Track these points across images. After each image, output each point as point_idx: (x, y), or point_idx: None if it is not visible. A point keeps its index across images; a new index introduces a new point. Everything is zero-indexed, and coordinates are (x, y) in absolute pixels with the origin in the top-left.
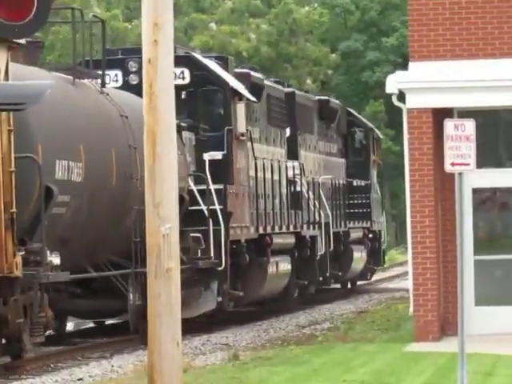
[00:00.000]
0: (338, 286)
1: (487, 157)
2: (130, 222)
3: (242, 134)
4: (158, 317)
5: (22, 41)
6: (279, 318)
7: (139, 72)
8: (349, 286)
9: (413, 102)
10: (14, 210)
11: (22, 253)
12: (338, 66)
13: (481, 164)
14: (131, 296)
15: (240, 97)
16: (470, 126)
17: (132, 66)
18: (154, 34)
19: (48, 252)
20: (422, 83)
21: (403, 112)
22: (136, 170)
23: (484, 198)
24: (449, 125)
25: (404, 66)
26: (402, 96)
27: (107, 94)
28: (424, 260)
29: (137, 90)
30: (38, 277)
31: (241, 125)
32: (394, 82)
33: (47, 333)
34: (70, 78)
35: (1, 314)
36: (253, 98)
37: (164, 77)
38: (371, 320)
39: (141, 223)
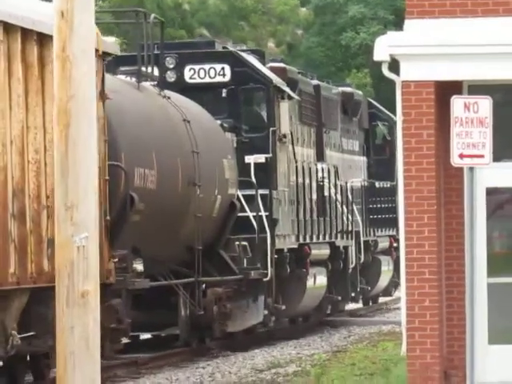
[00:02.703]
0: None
1: (507, 147)
2: (192, 230)
3: (285, 136)
4: (70, 356)
5: (118, 51)
6: (229, 357)
7: (176, 68)
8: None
9: (409, 72)
10: (108, 218)
11: (116, 260)
12: (310, 24)
13: (498, 156)
14: (182, 308)
15: (283, 95)
16: (485, 105)
17: (169, 62)
18: None
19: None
20: (421, 48)
21: (396, 86)
22: (198, 177)
23: (502, 201)
24: (457, 103)
25: (398, 25)
26: (394, 65)
27: (169, 98)
28: (421, 283)
29: (173, 87)
30: (125, 283)
31: (284, 125)
32: (384, 46)
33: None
34: (134, 82)
35: None
36: (296, 97)
37: (81, 36)
38: (351, 362)
39: (202, 231)
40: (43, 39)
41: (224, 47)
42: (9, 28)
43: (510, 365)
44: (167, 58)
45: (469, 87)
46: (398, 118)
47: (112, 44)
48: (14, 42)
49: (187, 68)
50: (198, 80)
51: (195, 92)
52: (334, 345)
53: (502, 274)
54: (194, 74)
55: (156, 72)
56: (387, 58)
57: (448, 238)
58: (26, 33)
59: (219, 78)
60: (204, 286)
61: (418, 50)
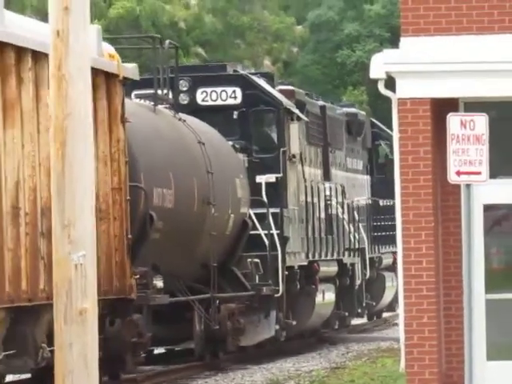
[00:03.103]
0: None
1: (504, 163)
2: (207, 247)
3: (294, 156)
4: (69, 374)
5: (137, 77)
6: (227, 374)
7: (189, 91)
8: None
9: (405, 90)
10: (130, 236)
11: (137, 276)
12: (306, 41)
13: (495, 173)
14: (197, 323)
15: (292, 116)
16: (481, 122)
17: (182, 85)
18: (64, 0)
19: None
20: (417, 65)
21: (392, 103)
22: (213, 196)
23: (499, 218)
24: (453, 121)
25: (393, 43)
26: (390, 82)
27: (184, 121)
28: (420, 300)
29: (186, 109)
30: (146, 299)
31: (294, 146)
32: (380, 64)
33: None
34: (150, 105)
35: (107, 333)
36: (305, 118)
37: (78, 55)
38: (350, 379)
39: (216, 248)
40: None
41: (235, 70)
42: (36, 56)
43: (508, 381)
44: (180, 81)
45: (465, 104)
46: (395, 136)
47: (132, 69)
48: (41, 69)
49: (199, 91)
50: (210, 102)
51: (207, 114)
52: (332, 361)
53: (500, 290)
54: (206, 96)
55: (169, 95)
56: (383, 75)
57: (446, 254)
58: None
59: (231, 101)
60: (217, 301)
61: (413, 67)
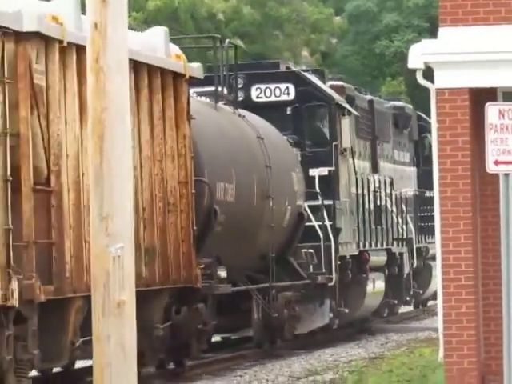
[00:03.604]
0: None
1: None
2: (266, 239)
3: (346, 150)
4: (107, 366)
5: (202, 76)
6: (265, 365)
7: (244, 88)
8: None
9: (444, 80)
10: (195, 228)
11: (202, 266)
12: (345, 32)
13: None
14: (255, 311)
15: (343, 112)
16: None
17: (238, 82)
18: None
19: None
20: (455, 55)
21: (431, 93)
22: (271, 189)
23: None
24: (492, 110)
25: (432, 33)
26: (429, 72)
27: (244, 117)
28: (458, 289)
29: (241, 106)
30: (211, 288)
31: (346, 140)
32: (418, 54)
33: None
34: (212, 103)
35: (174, 321)
36: (356, 113)
37: (115, 48)
38: (388, 369)
39: (274, 240)
40: (138, 66)
41: (287, 67)
42: None
43: None
44: (237, 78)
45: (503, 94)
46: (433, 126)
47: (197, 69)
48: None
49: (254, 88)
50: (264, 99)
51: (261, 110)
52: (371, 351)
53: None
54: (260, 93)
55: (225, 92)
56: (421, 65)
57: (484, 244)
58: None
59: (284, 97)
60: (274, 290)
61: (451, 57)
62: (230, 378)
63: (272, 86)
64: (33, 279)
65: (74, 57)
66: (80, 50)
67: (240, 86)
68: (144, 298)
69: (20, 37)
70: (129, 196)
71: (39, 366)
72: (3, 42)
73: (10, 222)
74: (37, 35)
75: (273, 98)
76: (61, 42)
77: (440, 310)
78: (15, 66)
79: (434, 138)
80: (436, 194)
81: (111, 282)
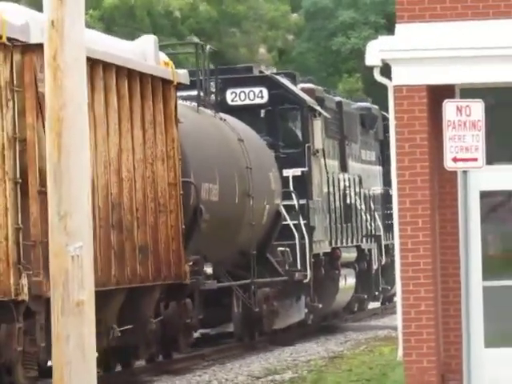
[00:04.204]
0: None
1: (500, 149)
2: (247, 236)
3: (318, 151)
4: (66, 365)
5: (188, 81)
6: (225, 365)
7: (219, 92)
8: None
9: (401, 77)
10: (183, 226)
11: (191, 263)
12: (301, 29)
13: (491, 159)
14: (235, 306)
15: (315, 113)
16: (477, 108)
17: (213, 86)
18: None
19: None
20: (413, 52)
21: (388, 90)
22: (251, 189)
23: (495, 204)
24: (450, 107)
25: (389, 30)
26: (386, 69)
27: (225, 120)
28: (417, 287)
29: (216, 109)
30: (198, 284)
31: (317, 141)
32: (375, 51)
33: None
34: (194, 106)
35: (164, 316)
36: (327, 115)
37: (73, 45)
38: (348, 368)
39: (255, 237)
40: (131, 74)
41: (260, 71)
42: (106, 66)
43: (506, 368)
44: (211, 83)
45: (461, 91)
46: (391, 123)
47: (184, 75)
48: (110, 78)
49: (229, 91)
50: (238, 102)
51: (236, 113)
52: (330, 350)
53: (498, 277)
54: (235, 96)
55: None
56: (379, 62)
57: (443, 241)
58: (118, 69)
59: (258, 100)
60: (254, 286)
61: (409, 54)
62: (189, 377)
63: (246, 90)
64: (40, 276)
65: None
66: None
67: (213, 90)
68: (138, 294)
69: (27, 48)
70: (87, 194)
71: (44, 358)
72: (12, 53)
73: (19, 222)
74: (42, 46)
75: (247, 102)
76: None
77: (399, 309)
78: (22, 75)
79: (391, 135)
80: (394, 191)
81: (70, 282)
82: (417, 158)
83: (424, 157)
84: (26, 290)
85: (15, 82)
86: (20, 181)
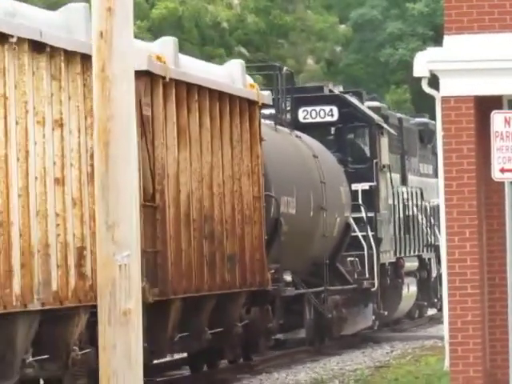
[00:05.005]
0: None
1: None
2: (320, 247)
3: (384, 166)
4: (113, 375)
5: (271, 102)
6: (271, 374)
7: (292, 110)
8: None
9: (449, 88)
10: (266, 237)
11: (272, 271)
12: (349, 41)
13: None
14: (307, 312)
15: (382, 131)
16: None
17: (286, 105)
18: (107, 1)
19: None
20: (460, 63)
21: (436, 101)
22: (325, 202)
23: None
24: (497, 118)
25: (437, 41)
26: (434, 80)
27: (300, 137)
28: (464, 298)
29: (289, 126)
30: (279, 291)
31: (384, 157)
32: (423, 62)
33: None
34: (272, 125)
35: (248, 321)
36: (393, 132)
37: (121, 56)
38: (394, 378)
39: (327, 248)
40: (222, 96)
41: (330, 90)
42: (200, 90)
43: None
44: (283, 103)
45: (509, 102)
46: (439, 134)
47: (267, 96)
48: (204, 100)
49: (301, 110)
50: (310, 120)
51: (308, 130)
52: (376, 360)
53: None
54: (306, 114)
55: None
56: (427, 73)
57: (490, 252)
58: (211, 92)
59: (328, 118)
60: (325, 293)
61: (457, 65)
62: None
63: (317, 108)
64: (143, 283)
65: (174, 90)
66: (178, 84)
67: (288, 108)
68: (226, 300)
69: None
70: (135, 204)
71: (146, 357)
72: None
73: None
74: (146, 73)
75: (318, 119)
76: (163, 78)
77: (446, 319)
78: None
79: (439, 146)
80: (442, 202)
81: (117, 291)
82: (464, 168)
83: (471, 167)
84: None
85: None
86: None
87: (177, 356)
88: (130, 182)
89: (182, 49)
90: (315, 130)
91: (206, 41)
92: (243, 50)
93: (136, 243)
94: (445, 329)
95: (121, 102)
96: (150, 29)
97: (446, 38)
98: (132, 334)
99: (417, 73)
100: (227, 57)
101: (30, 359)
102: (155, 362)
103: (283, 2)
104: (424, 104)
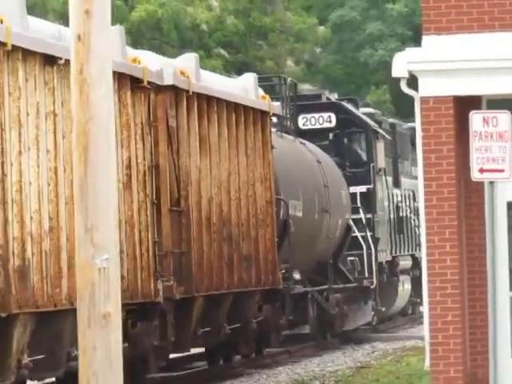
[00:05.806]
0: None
1: None
2: (324, 247)
3: (380, 169)
4: (93, 376)
5: (281, 112)
6: (252, 375)
7: (292, 117)
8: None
9: (428, 88)
10: (277, 239)
11: (283, 271)
12: (328, 42)
13: None
14: (310, 309)
15: (377, 136)
16: (504, 119)
17: (286, 112)
18: (85, 3)
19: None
20: (439, 63)
21: (415, 102)
22: (328, 205)
23: None
24: (476, 118)
25: (416, 41)
26: (413, 81)
27: (304, 144)
28: (444, 298)
29: (293, 134)
30: (289, 289)
31: (380, 161)
32: (402, 63)
33: None
34: (277, 132)
35: (260, 317)
36: (388, 137)
37: (99, 58)
38: (375, 378)
39: (330, 248)
40: (237, 107)
41: (328, 98)
42: (218, 102)
43: None
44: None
45: (488, 102)
46: (418, 134)
47: (278, 107)
48: (221, 112)
49: (301, 117)
50: (309, 126)
51: (307, 136)
52: (357, 361)
53: None
54: (306, 121)
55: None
56: (406, 74)
57: (470, 252)
58: (228, 104)
59: (326, 124)
60: (327, 292)
61: (436, 65)
62: None
63: (316, 115)
64: (171, 281)
65: (196, 103)
66: (199, 97)
67: (288, 115)
68: (243, 298)
69: (160, 89)
70: (114, 207)
71: (172, 351)
72: (149, 94)
73: (156, 236)
74: (172, 87)
75: (317, 126)
76: (187, 91)
77: (426, 319)
78: (155, 111)
79: (418, 146)
80: (421, 202)
81: (96, 294)
82: (443, 169)
83: (451, 168)
84: (161, 293)
85: (151, 117)
86: (156, 201)
87: (193, 351)
88: (109, 184)
89: (161, 51)
90: (314, 135)
91: (185, 43)
92: (223, 52)
93: (115, 246)
94: (425, 329)
95: (99, 104)
96: (129, 31)
97: (425, 39)
98: (112, 336)
99: (396, 73)
100: (206, 59)
101: (75, 353)
102: (172, 356)
103: (262, 4)
104: (404, 104)
